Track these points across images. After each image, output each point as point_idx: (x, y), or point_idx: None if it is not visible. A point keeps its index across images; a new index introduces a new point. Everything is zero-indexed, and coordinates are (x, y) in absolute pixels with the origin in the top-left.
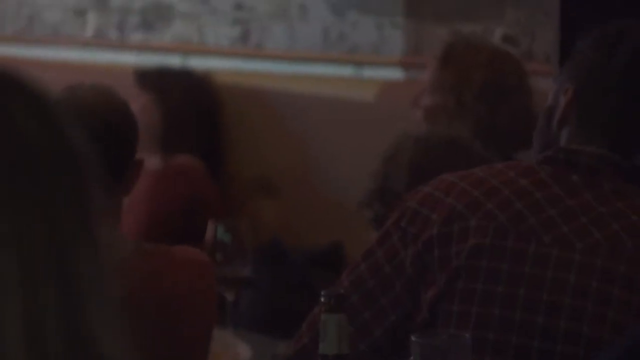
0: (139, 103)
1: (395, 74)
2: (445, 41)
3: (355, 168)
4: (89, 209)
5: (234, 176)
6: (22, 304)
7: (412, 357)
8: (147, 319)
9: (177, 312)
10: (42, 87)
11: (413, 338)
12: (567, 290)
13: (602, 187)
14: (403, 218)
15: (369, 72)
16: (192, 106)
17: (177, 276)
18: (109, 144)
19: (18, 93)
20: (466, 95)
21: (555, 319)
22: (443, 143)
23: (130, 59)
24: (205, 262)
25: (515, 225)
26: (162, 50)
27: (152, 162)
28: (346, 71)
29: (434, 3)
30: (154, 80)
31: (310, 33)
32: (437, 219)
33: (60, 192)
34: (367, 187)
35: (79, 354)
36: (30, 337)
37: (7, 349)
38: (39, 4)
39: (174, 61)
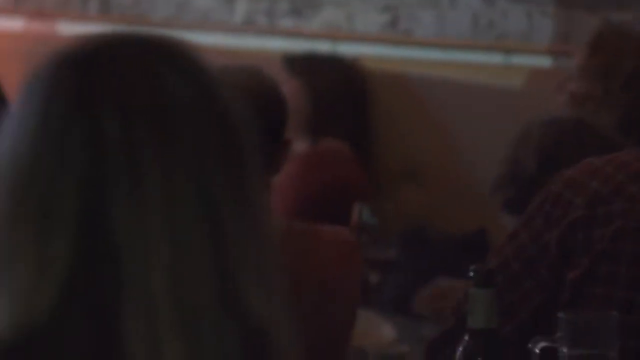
0: (287, 88)
1: (544, 62)
2: (594, 29)
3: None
4: (243, 174)
5: (380, 161)
6: (170, 268)
7: (558, 334)
8: (296, 295)
9: (325, 290)
10: (199, 58)
11: (561, 315)
12: None
13: None
14: (547, 201)
15: (518, 60)
16: (340, 92)
17: (326, 255)
18: (258, 123)
19: (174, 59)
20: (613, 83)
21: None
22: (571, 126)
23: (279, 45)
24: (353, 242)
25: None
26: (311, 37)
27: (300, 146)
28: (495, 59)
29: None
30: (303, 66)
31: (459, 20)
32: (581, 202)
33: (210, 157)
34: (498, 171)
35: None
36: (177, 295)
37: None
38: None
39: (323, 47)
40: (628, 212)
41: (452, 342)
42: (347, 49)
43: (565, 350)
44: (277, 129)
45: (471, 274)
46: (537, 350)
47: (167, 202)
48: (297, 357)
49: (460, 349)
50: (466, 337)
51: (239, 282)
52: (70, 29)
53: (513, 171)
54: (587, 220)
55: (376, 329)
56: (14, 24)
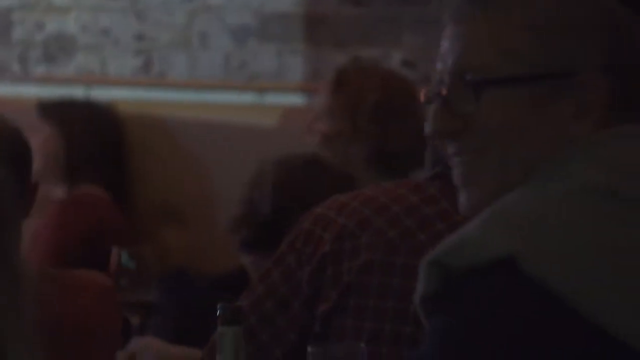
0: (42, 135)
1: (296, 100)
2: (337, 66)
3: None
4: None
5: (139, 204)
6: None
7: None
8: (52, 342)
9: (84, 334)
10: None
11: (309, 349)
12: None
13: None
14: (298, 239)
15: (271, 99)
16: (95, 136)
17: (82, 299)
18: (5, 169)
19: None
20: (360, 118)
21: None
22: (303, 164)
23: (33, 92)
24: (106, 285)
25: (405, 241)
26: (65, 82)
27: (57, 192)
28: (248, 99)
29: (333, 29)
30: (57, 112)
31: (211, 62)
32: (329, 237)
33: None
34: (234, 213)
35: None
36: None
37: None
38: None
39: (77, 92)
40: (374, 245)
41: None
42: (102, 94)
43: None
44: (22, 173)
45: (218, 312)
46: None
47: None
48: None
49: None
50: None
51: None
52: None
53: (249, 212)
54: (335, 254)
55: None
56: None
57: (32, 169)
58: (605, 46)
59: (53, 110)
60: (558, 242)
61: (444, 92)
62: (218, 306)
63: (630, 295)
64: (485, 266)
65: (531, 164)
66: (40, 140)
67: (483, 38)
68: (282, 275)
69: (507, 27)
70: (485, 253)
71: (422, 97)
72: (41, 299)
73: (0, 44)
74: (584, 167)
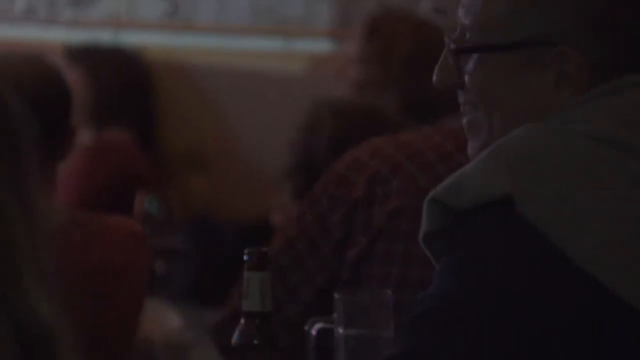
0: (69, 79)
1: (324, 46)
2: (370, 14)
3: (285, 142)
4: (23, 176)
5: (165, 150)
6: None
7: (334, 314)
8: (80, 288)
9: (111, 279)
10: None
11: (336, 295)
12: None
13: None
14: (331, 182)
15: (298, 46)
16: (122, 82)
17: (111, 245)
18: (42, 112)
19: None
20: (392, 66)
21: None
22: (361, 114)
23: (60, 35)
24: (139, 232)
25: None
26: (92, 26)
27: (83, 137)
28: (275, 44)
29: None
30: (84, 56)
31: (238, 7)
32: (361, 182)
33: None
34: (288, 160)
35: (14, 319)
36: None
37: None
38: None
39: (104, 36)
40: (405, 191)
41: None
42: (129, 38)
43: (340, 331)
44: (62, 118)
45: (245, 257)
46: (313, 332)
47: None
48: (80, 356)
49: (237, 331)
50: (242, 320)
51: (20, 287)
52: None
53: (304, 160)
54: (367, 199)
55: (161, 317)
56: None
57: (72, 112)
58: (585, 16)
59: (81, 56)
60: (552, 186)
61: (452, 45)
62: (245, 251)
63: (621, 244)
64: (482, 206)
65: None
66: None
67: (480, 2)
68: (315, 217)
69: None
70: (483, 193)
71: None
72: (71, 243)
73: None
74: (580, 115)
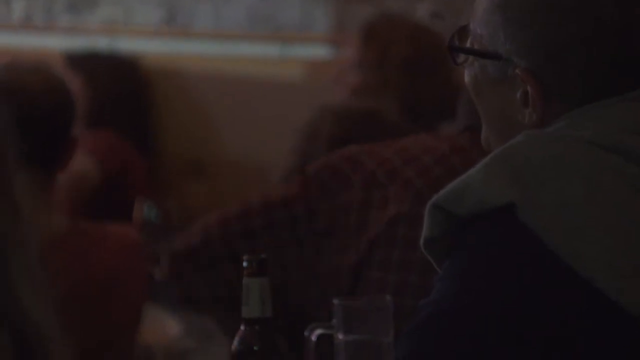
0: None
1: (321, 52)
2: (366, 19)
3: (284, 148)
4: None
5: (163, 158)
6: None
7: (334, 320)
8: (79, 295)
9: (110, 287)
10: None
11: (335, 301)
12: None
13: None
14: (324, 170)
15: (295, 50)
16: (119, 88)
17: (110, 252)
18: (49, 122)
19: None
20: (390, 71)
21: None
22: (362, 117)
23: (57, 43)
24: (137, 239)
25: (432, 191)
26: (90, 33)
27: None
28: (273, 50)
29: None
30: (82, 63)
31: (235, 14)
32: (357, 181)
33: None
34: (287, 163)
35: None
36: None
37: None
38: None
39: (101, 43)
40: (403, 197)
41: (196, 257)
42: (126, 44)
43: (340, 336)
44: (66, 127)
45: (244, 264)
46: (313, 338)
47: None
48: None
49: (237, 338)
50: (242, 327)
51: (15, 291)
52: None
53: (303, 164)
54: (363, 203)
55: (160, 323)
56: None
57: (74, 121)
58: (546, 45)
59: (78, 62)
60: (555, 194)
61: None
62: (244, 258)
63: (623, 253)
64: (484, 214)
65: (498, 134)
66: None
67: (481, 7)
68: (303, 199)
69: (490, 3)
70: (486, 200)
71: None
72: (70, 251)
73: None
74: (585, 121)
